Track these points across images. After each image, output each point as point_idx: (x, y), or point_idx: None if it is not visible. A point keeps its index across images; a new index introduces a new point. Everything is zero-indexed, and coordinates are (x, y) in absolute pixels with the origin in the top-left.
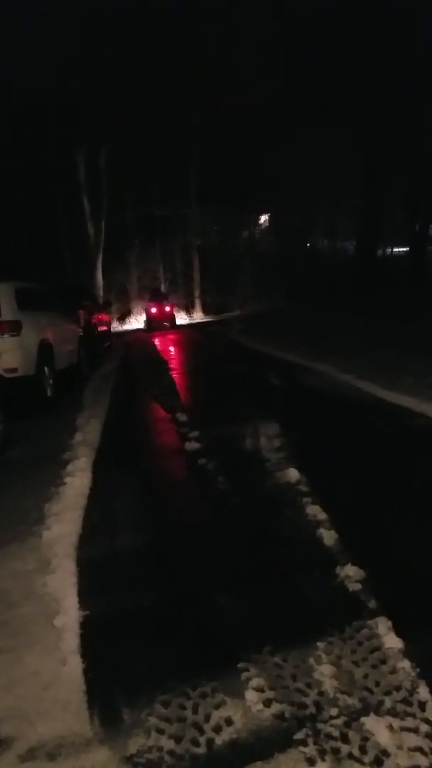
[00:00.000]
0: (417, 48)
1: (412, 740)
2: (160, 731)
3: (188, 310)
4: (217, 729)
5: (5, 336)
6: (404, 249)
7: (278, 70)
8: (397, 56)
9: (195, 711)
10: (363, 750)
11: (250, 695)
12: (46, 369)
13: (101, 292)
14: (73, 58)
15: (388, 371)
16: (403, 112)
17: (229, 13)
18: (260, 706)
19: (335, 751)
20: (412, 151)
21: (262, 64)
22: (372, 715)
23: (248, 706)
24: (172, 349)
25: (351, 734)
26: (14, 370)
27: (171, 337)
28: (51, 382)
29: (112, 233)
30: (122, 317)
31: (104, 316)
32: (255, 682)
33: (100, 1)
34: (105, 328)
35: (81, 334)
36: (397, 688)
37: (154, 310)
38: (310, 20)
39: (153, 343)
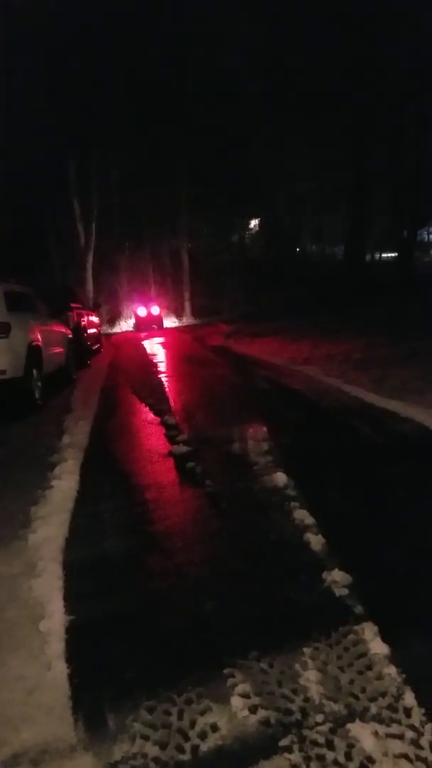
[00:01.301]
0: (402, 52)
1: (398, 747)
2: (145, 737)
3: (178, 313)
4: (203, 735)
5: None
6: (393, 254)
7: (265, 73)
8: (383, 60)
9: (180, 717)
10: (348, 757)
11: (236, 701)
12: (34, 371)
13: (91, 294)
14: (62, 61)
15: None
16: (388, 118)
17: (218, 17)
18: (246, 713)
19: (321, 758)
20: (397, 156)
21: (249, 66)
22: (357, 721)
23: (234, 712)
24: (159, 351)
25: (336, 741)
26: (2, 372)
27: (159, 339)
28: (39, 384)
29: (102, 235)
30: (112, 319)
31: (94, 318)
32: (241, 688)
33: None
34: (94, 330)
35: (70, 336)
36: (383, 695)
37: (142, 312)
38: (298, 26)
39: (142, 345)
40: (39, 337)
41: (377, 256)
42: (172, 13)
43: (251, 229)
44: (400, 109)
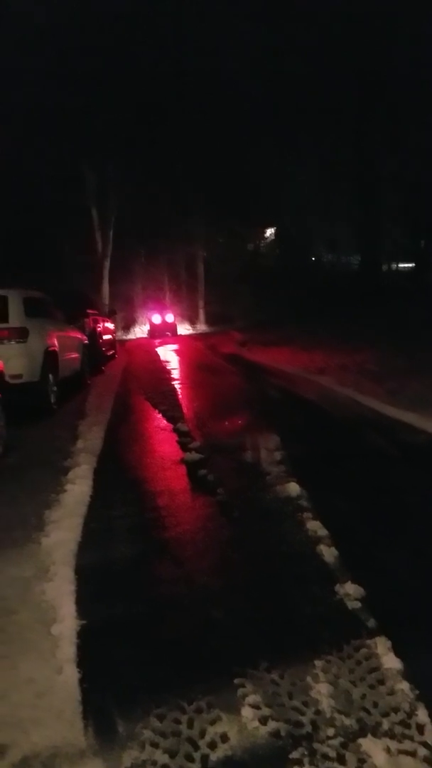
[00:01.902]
0: (411, 59)
1: (410, 764)
2: (155, 745)
3: (191, 320)
4: (212, 745)
5: (12, 342)
6: (409, 265)
7: (273, 81)
8: (392, 69)
9: (190, 726)
10: None
11: (246, 712)
12: (50, 376)
13: (107, 301)
14: (81, 71)
15: None
16: (397, 125)
17: (225, 27)
18: (256, 723)
19: None
20: (407, 165)
21: (258, 75)
22: (369, 736)
23: (244, 722)
24: (173, 358)
25: (348, 755)
26: (19, 376)
27: (173, 346)
28: (55, 389)
29: (118, 243)
30: (127, 326)
31: (109, 325)
32: (251, 698)
33: (102, 13)
34: (109, 336)
35: (85, 342)
36: (396, 710)
37: (157, 319)
38: (304, 33)
39: (155, 352)
40: (55, 342)
41: (393, 266)
42: (179, 25)
43: (267, 238)
44: (409, 116)
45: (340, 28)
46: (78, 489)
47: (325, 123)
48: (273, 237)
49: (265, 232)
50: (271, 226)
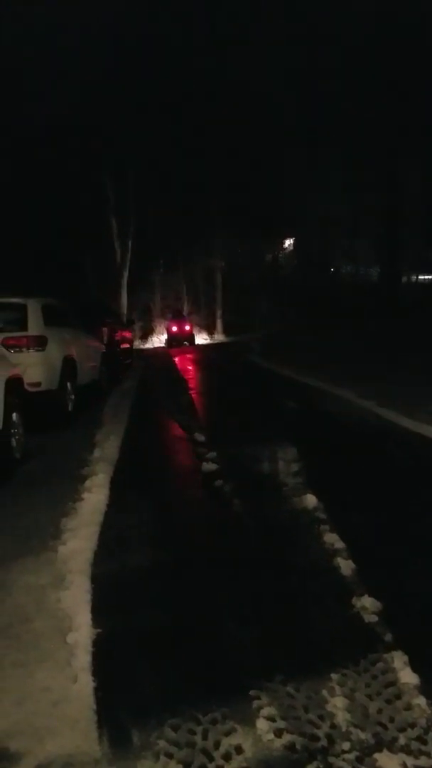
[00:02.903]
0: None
1: None
2: (169, 755)
3: (209, 329)
4: (227, 757)
5: (31, 350)
6: (429, 277)
7: (299, 99)
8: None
9: (205, 737)
10: None
11: (261, 724)
12: (68, 384)
13: (125, 310)
14: (101, 84)
15: None
16: (422, 141)
17: (253, 43)
18: (271, 736)
19: None
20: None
21: (284, 92)
22: (385, 751)
23: (259, 735)
24: (190, 367)
25: None
26: (38, 384)
27: (190, 355)
28: (72, 397)
29: (136, 253)
30: (145, 335)
31: (127, 334)
32: (266, 711)
33: (127, 29)
34: (127, 345)
35: (103, 350)
36: (412, 725)
37: (174, 328)
38: (332, 54)
39: (173, 361)
40: (74, 351)
41: (413, 278)
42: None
43: (285, 249)
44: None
45: (371, 48)
46: (95, 498)
47: (351, 135)
48: (291, 248)
49: (284, 243)
50: (290, 236)
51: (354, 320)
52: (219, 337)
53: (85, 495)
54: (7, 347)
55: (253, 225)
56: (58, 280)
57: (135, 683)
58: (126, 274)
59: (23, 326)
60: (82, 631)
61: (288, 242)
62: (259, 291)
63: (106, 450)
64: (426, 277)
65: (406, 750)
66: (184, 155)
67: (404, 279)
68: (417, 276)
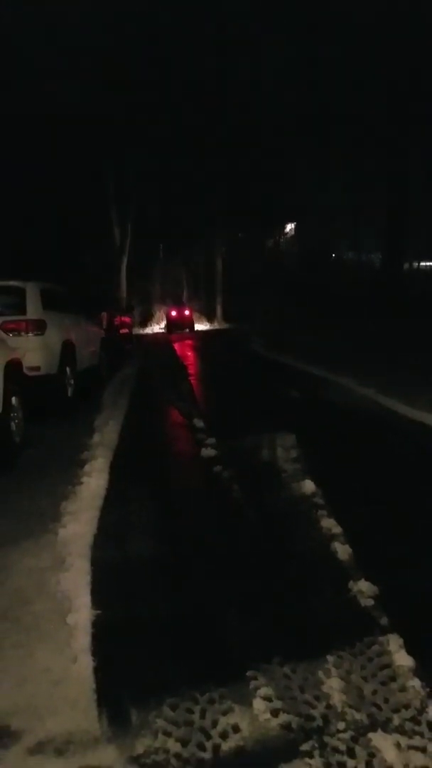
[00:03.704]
0: None
1: (419, 760)
2: (167, 734)
3: (209, 316)
4: (224, 735)
5: (30, 335)
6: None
7: (302, 89)
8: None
9: (202, 716)
10: (369, 766)
11: (258, 704)
12: (67, 369)
13: (124, 296)
14: (103, 69)
15: None
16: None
17: (256, 33)
18: (267, 716)
19: (341, 765)
20: None
21: (286, 83)
22: (380, 731)
23: (255, 714)
24: (190, 354)
25: (358, 749)
26: (37, 368)
27: (190, 342)
28: (72, 382)
29: (137, 238)
30: (144, 321)
31: (126, 319)
32: (263, 691)
33: (130, 16)
34: (127, 330)
35: (103, 335)
36: (406, 707)
37: (174, 314)
38: (335, 45)
39: (172, 347)
40: (73, 335)
41: (415, 264)
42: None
43: (287, 233)
44: None
45: (373, 38)
46: (94, 482)
47: (354, 122)
48: (292, 233)
49: (284, 229)
50: (291, 221)
51: (356, 310)
52: (218, 324)
53: (85, 479)
54: (6, 331)
55: (254, 211)
56: (58, 265)
57: (134, 664)
58: (125, 260)
59: (22, 310)
60: (82, 613)
61: (289, 227)
62: (259, 278)
63: (106, 435)
64: (427, 263)
65: (400, 730)
66: (186, 142)
67: (406, 266)
68: (419, 263)
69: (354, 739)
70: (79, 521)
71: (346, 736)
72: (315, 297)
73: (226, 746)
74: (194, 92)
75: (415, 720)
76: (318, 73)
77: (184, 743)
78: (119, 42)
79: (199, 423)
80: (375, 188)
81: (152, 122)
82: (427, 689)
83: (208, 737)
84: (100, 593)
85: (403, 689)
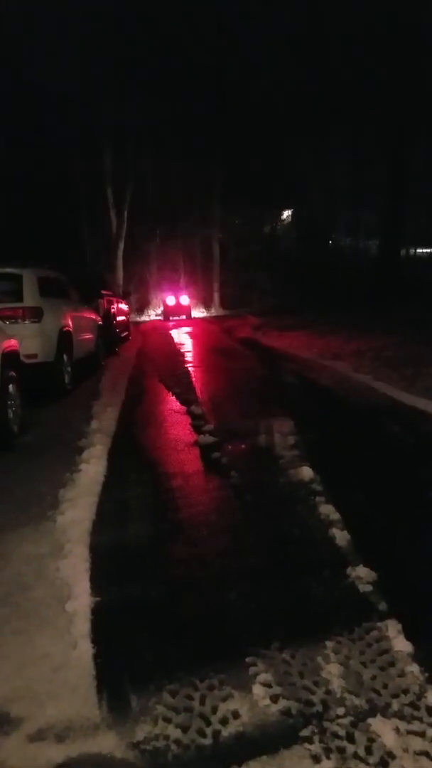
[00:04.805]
0: None
1: (418, 744)
2: (167, 720)
3: (206, 303)
4: (224, 721)
5: (26, 322)
6: (427, 250)
7: (303, 72)
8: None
9: (202, 702)
10: (369, 751)
11: (257, 690)
12: (65, 356)
13: (121, 282)
14: (99, 50)
15: None
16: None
17: (257, 15)
18: (267, 701)
19: (341, 750)
20: None
21: (287, 64)
22: (379, 716)
23: (255, 700)
24: (187, 341)
25: (357, 734)
26: (34, 356)
27: (187, 329)
28: (69, 369)
29: (133, 223)
30: (141, 308)
31: (123, 306)
32: (262, 677)
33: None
34: (123, 317)
35: (100, 322)
36: (405, 692)
37: (171, 301)
38: (337, 28)
39: (170, 334)
40: (70, 322)
41: (412, 251)
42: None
43: (284, 220)
44: None
45: (376, 29)
46: (93, 469)
47: (354, 108)
48: (290, 219)
49: (282, 214)
50: (288, 207)
51: (352, 296)
52: (216, 311)
53: (83, 466)
54: (3, 318)
55: (250, 195)
56: (54, 251)
57: (133, 650)
58: (121, 245)
59: (18, 297)
60: (81, 599)
61: (286, 213)
62: (257, 264)
63: (104, 422)
64: (425, 250)
65: (399, 715)
66: (184, 123)
67: (403, 252)
68: (415, 249)
69: (353, 725)
70: (78, 508)
71: (346, 721)
72: (313, 284)
73: (226, 732)
74: (193, 72)
75: (413, 705)
76: (322, 51)
77: (184, 729)
78: (118, 17)
79: (196, 410)
80: (375, 170)
81: (149, 103)
82: (426, 674)
83: (208, 723)
84: (99, 579)
85: (401, 674)
